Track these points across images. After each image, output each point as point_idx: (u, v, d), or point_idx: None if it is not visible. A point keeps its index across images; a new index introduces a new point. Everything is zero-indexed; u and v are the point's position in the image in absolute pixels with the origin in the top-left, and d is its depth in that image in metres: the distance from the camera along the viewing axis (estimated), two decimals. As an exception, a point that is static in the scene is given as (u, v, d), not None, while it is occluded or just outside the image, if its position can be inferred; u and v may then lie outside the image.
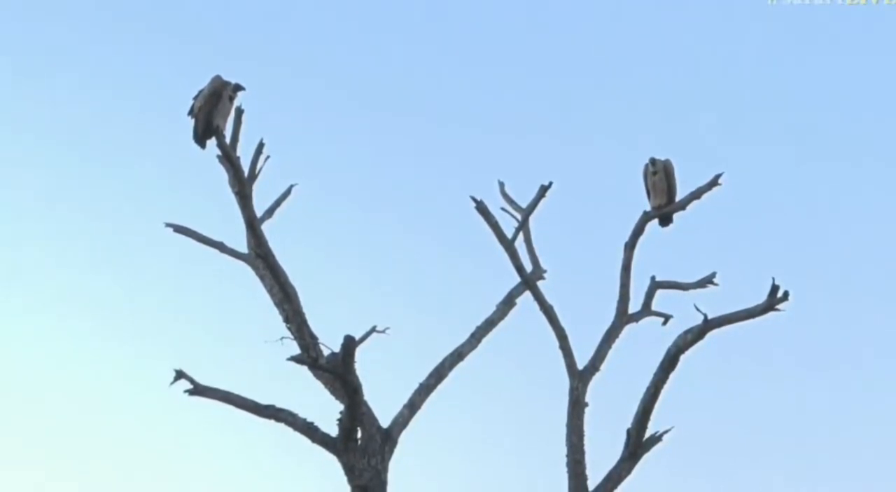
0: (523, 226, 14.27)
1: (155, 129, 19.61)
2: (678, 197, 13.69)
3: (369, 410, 12.90)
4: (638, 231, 13.69)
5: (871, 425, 19.95)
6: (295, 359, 12.52)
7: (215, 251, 13.78)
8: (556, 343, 13.44)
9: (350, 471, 12.64)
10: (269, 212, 13.66)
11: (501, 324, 14.24)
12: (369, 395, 12.82)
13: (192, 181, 17.04)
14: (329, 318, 13.56)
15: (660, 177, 13.68)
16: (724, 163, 13.56)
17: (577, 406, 13.20)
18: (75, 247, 21.28)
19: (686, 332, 12.60)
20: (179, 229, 13.81)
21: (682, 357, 12.63)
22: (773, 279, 12.33)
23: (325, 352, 12.87)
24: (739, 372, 19.71)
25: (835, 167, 22.39)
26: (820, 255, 21.12)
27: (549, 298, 13.50)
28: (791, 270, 13.24)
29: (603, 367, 13.48)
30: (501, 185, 14.91)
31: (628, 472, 12.85)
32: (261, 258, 13.12)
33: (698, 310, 12.48)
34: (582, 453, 13.01)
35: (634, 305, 13.86)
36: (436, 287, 20.94)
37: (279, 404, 12.81)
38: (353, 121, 22.40)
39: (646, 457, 12.87)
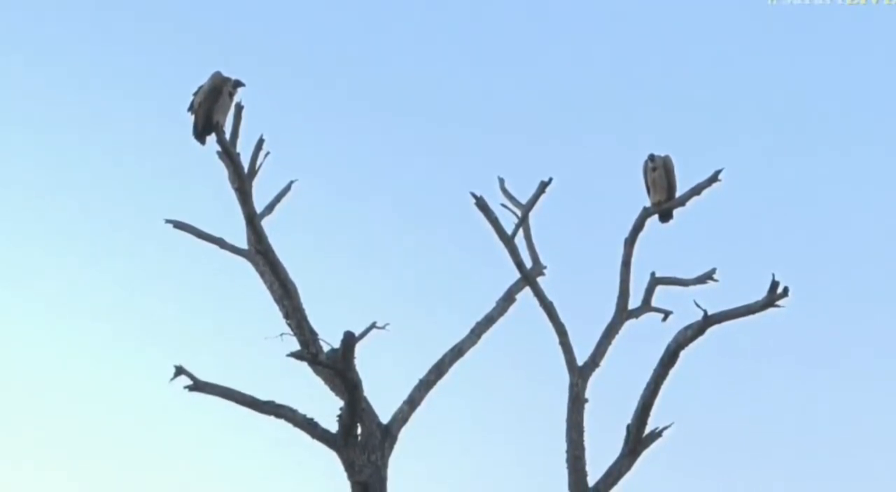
0: (523, 222, 14.28)
1: (155, 125, 19.63)
2: (678, 193, 13.69)
3: (369, 406, 12.91)
4: (638, 227, 13.70)
5: (871, 422, 19.98)
6: (295, 355, 12.52)
7: (215, 247, 13.79)
8: (555, 339, 13.45)
9: (350, 467, 12.65)
10: (269, 208, 13.66)
11: (501, 320, 14.26)
12: (369, 391, 12.84)
13: (191, 177, 17.07)
14: (329, 314, 13.59)
15: (659, 173, 13.67)
16: (724, 160, 13.54)
17: (576, 402, 13.21)
18: (75, 243, 21.32)
19: (686, 328, 12.61)
20: (179, 226, 13.82)
21: (682, 353, 12.64)
22: (773, 275, 12.35)
23: (325, 348, 12.86)
24: (739, 368, 19.73)
25: (834, 165, 22.43)
26: (820, 251, 21.16)
27: (549, 295, 13.51)
28: (791, 266, 13.26)
29: (603, 363, 13.50)
30: (501, 181, 14.91)
31: (628, 468, 12.86)
32: (261, 254, 13.12)
33: (698, 306, 12.50)
34: (582, 449, 13.02)
35: (634, 302, 13.87)
36: (436, 283, 20.97)
37: (279, 400, 12.82)
38: (353, 117, 22.42)
39: (646, 453, 12.89)
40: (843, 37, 22.66)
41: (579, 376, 13.33)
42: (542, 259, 14.64)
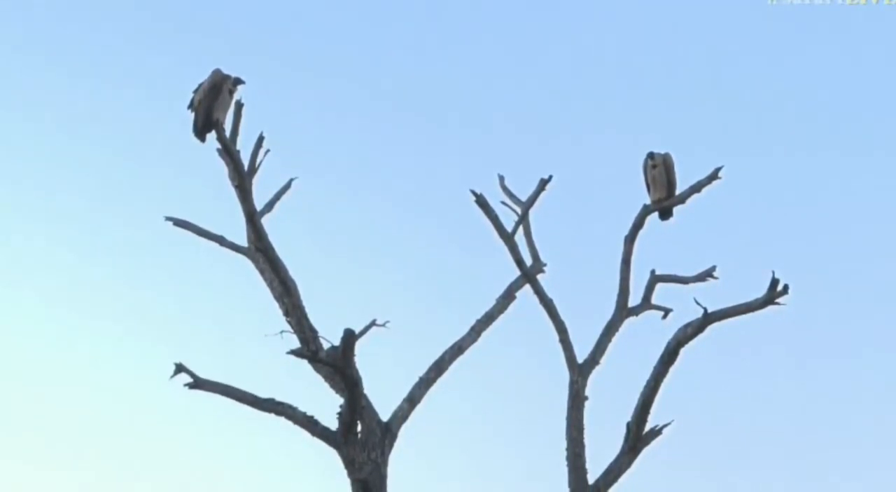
0: (523, 219, 14.28)
1: (155, 122, 19.62)
2: (678, 191, 13.69)
3: (369, 403, 12.91)
4: (638, 225, 13.70)
5: (871, 420, 19.99)
6: (295, 352, 12.52)
7: (215, 245, 13.79)
8: (555, 337, 13.45)
9: (350, 464, 12.65)
10: (269, 205, 13.65)
11: (501, 317, 14.26)
12: (369, 388, 12.85)
13: (191, 175, 17.05)
14: (329, 311, 13.59)
15: (659, 170, 13.67)
16: (724, 157, 13.54)
17: (576, 400, 13.21)
18: (75, 241, 21.30)
19: (686, 325, 12.60)
20: (179, 223, 13.82)
21: (682, 351, 12.64)
22: (773, 273, 12.35)
23: (325, 345, 12.87)
24: (739, 366, 19.73)
25: (834, 164, 22.43)
26: (820, 249, 21.15)
27: (549, 292, 13.51)
28: (791, 263, 13.26)
29: (603, 360, 13.50)
30: (501, 178, 14.90)
31: (628, 465, 12.86)
32: (261, 252, 13.12)
33: (698, 304, 12.49)
34: (582, 446, 13.02)
35: (634, 299, 13.87)
36: (436, 281, 20.96)
37: (279, 398, 12.82)
38: (353, 114, 22.41)
39: (646, 450, 12.89)
40: (843, 37, 22.68)
41: (579, 373, 13.33)
42: (542, 257, 14.65)
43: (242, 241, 13.69)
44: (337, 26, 23.41)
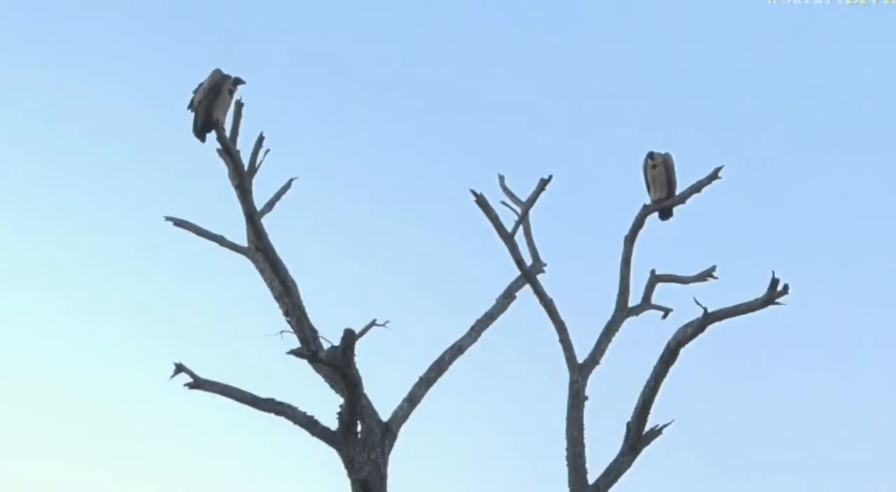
0: (523, 219, 14.28)
1: (155, 122, 19.63)
2: (678, 190, 13.69)
3: (369, 403, 12.91)
4: (638, 225, 13.70)
5: (871, 420, 19.99)
6: (295, 352, 12.51)
7: (215, 245, 13.79)
8: (555, 336, 13.46)
9: (350, 464, 12.65)
10: (269, 205, 13.65)
11: (501, 317, 14.25)
12: (369, 388, 12.84)
13: (191, 175, 17.06)
14: (329, 311, 13.58)
15: (659, 170, 13.68)
16: (724, 157, 13.55)
17: (576, 399, 13.21)
18: (75, 241, 21.30)
19: (686, 325, 12.59)
20: (179, 223, 13.82)
21: (682, 351, 12.63)
22: (773, 273, 12.35)
23: (325, 345, 12.87)
24: (739, 366, 19.73)
25: (834, 164, 22.45)
26: (820, 248, 21.16)
27: (549, 292, 13.52)
28: (791, 263, 13.26)
29: (603, 360, 13.50)
30: (501, 178, 14.90)
31: (628, 465, 12.86)
32: (261, 252, 13.11)
33: (698, 303, 12.48)
34: (582, 446, 13.02)
35: (634, 299, 13.88)
36: (436, 281, 20.98)
37: (279, 398, 12.82)
38: (353, 114, 22.41)
39: (646, 450, 12.89)
40: (843, 37, 22.69)
41: (579, 373, 13.33)
42: (542, 256, 14.66)
43: (242, 241, 13.69)
44: (337, 26, 23.44)
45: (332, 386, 13.08)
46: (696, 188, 13.57)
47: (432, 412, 13.64)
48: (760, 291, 12.41)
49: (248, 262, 13.67)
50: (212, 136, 12.90)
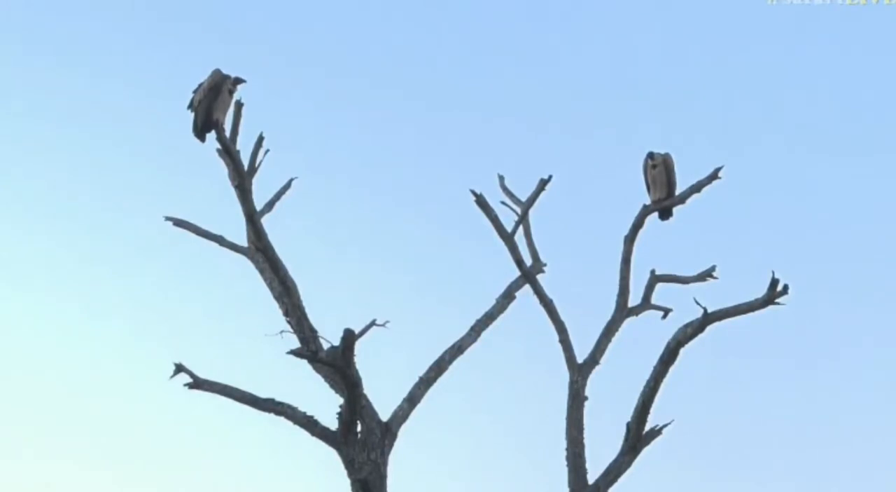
0: (523, 219, 14.28)
1: (155, 122, 19.62)
2: (678, 191, 13.70)
3: (369, 403, 12.91)
4: (638, 225, 13.70)
5: (871, 420, 19.99)
6: (295, 352, 12.52)
7: (215, 245, 13.80)
8: (555, 337, 13.46)
9: (350, 464, 12.65)
10: (269, 205, 13.65)
11: (501, 317, 14.25)
12: (369, 388, 12.84)
13: (191, 175, 17.05)
14: (329, 311, 13.58)
15: (659, 170, 13.68)
16: (724, 157, 13.55)
17: (576, 400, 13.22)
18: (75, 240, 21.30)
19: (686, 325, 12.59)
20: (179, 223, 13.83)
21: (682, 351, 12.63)
22: (773, 273, 12.35)
23: (325, 345, 12.87)
24: (739, 366, 19.73)
25: (834, 164, 22.44)
26: (820, 249, 21.16)
27: (549, 292, 13.52)
28: (791, 263, 13.26)
29: (603, 360, 13.50)
30: (501, 178, 14.90)
31: (628, 465, 12.86)
32: (260, 252, 13.11)
33: (698, 303, 12.48)
34: (582, 446, 13.02)
35: (634, 299, 13.88)
36: (435, 281, 20.97)
37: (279, 398, 12.82)
38: (353, 114, 22.42)
39: (646, 450, 12.89)
40: (843, 37, 22.69)
41: (579, 373, 13.33)
42: (542, 257, 14.66)
43: (242, 241, 13.69)
44: (337, 25, 23.43)
45: (332, 386, 13.09)
46: (696, 188, 13.57)
47: (432, 412, 13.65)
48: (760, 291, 12.41)
49: (248, 262, 13.68)
50: (212, 136, 12.90)
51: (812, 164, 22.38)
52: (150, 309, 20.34)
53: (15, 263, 21.02)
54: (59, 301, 20.90)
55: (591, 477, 12.88)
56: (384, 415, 13.05)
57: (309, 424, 12.76)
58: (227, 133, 12.56)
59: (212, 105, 12.80)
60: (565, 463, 13.01)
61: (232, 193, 13.03)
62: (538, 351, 14.82)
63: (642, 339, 13.78)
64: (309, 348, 12.79)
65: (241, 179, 12.69)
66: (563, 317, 13.44)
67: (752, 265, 15.10)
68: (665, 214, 13.85)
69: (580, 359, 13.42)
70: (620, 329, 13.76)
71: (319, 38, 23.48)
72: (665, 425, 12.85)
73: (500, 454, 19.34)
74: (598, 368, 13.46)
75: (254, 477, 18.82)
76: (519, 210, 14.34)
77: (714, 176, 13.40)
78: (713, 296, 12.91)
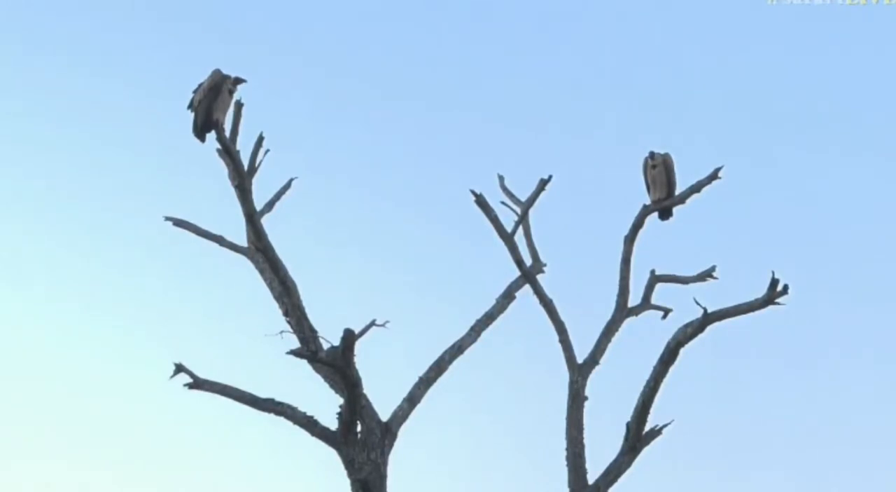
0: (523, 219, 14.27)
1: (155, 122, 19.62)
2: (678, 191, 13.70)
3: (369, 403, 12.91)
4: (637, 225, 13.71)
5: (871, 420, 19.99)
6: (294, 352, 12.52)
7: (215, 245, 13.80)
8: (555, 337, 13.46)
9: (350, 464, 12.65)
10: (269, 205, 13.65)
11: (501, 317, 14.25)
12: (369, 388, 12.84)
13: (191, 175, 17.05)
14: (328, 311, 13.58)
15: (659, 170, 13.68)
16: (724, 157, 13.55)
17: (576, 400, 13.21)
18: (75, 240, 21.31)
19: (686, 325, 12.59)
20: (179, 223, 13.83)
21: (682, 351, 12.63)
22: (773, 273, 12.35)
23: (325, 345, 12.87)
24: (739, 366, 19.74)
25: (834, 164, 22.46)
26: (820, 249, 21.16)
27: (549, 292, 13.52)
28: (791, 263, 13.27)
29: (602, 360, 13.50)
30: (501, 178, 14.90)
31: (628, 465, 12.86)
32: (260, 252, 13.11)
33: (698, 304, 12.48)
34: (582, 446, 13.02)
35: (634, 299, 13.88)
36: (435, 281, 20.98)
37: (279, 398, 12.82)
38: (353, 114, 22.42)
39: (646, 450, 12.89)
40: (843, 37, 22.70)
41: (579, 373, 13.33)
42: (542, 257, 14.65)
43: (242, 241, 13.69)
44: (337, 25, 23.43)
45: (332, 386, 13.08)
46: (696, 188, 13.58)
47: (432, 412, 13.65)
48: (760, 291, 12.41)
49: (248, 262, 13.67)
50: (212, 136, 12.89)
51: (812, 164, 22.40)
52: (150, 309, 20.37)
53: (15, 263, 21.04)
54: (59, 301, 20.93)
55: (591, 477, 12.88)
56: (384, 415, 13.05)
57: (309, 424, 12.76)
58: (227, 133, 12.56)
59: (212, 105, 12.79)
60: (565, 463, 13.01)
61: (232, 193, 13.03)
62: (538, 351, 14.84)
63: (642, 339, 13.79)
64: (309, 348, 12.78)
65: (241, 179, 12.69)
66: (563, 317, 13.44)
67: (752, 265, 15.10)
68: (665, 214, 13.86)
69: (580, 359, 13.42)
70: (620, 329, 13.76)
71: (319, 38, 23.50)
72: (665, 425, 12.85)
73: (500, 454, 19.36)
74: (598, 368, 13.46)
75: (254, 477, 18.84)
76: (519, 210, 14.33)
77: (714, 176, 13.41)
78: (713, 296, 12.93)
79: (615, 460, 12.86)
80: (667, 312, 13.84)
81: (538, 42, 23.29)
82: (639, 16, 23.02)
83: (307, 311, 13.14)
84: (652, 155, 13.79)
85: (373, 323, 13.32)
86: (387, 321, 13.46)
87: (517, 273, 13.87)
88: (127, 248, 20.41)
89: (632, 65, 22.96)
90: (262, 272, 13.50)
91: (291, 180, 13.96)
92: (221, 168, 13.31)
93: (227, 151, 12.68)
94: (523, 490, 19.90)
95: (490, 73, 23.22)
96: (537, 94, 22.64)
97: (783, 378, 20.36)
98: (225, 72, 12.96)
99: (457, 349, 13.77)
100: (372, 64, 23.14)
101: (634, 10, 23.03)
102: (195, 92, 12.98)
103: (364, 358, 12.54)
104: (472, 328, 13.99)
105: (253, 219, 12.96)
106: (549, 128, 21.97)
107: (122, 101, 21.48)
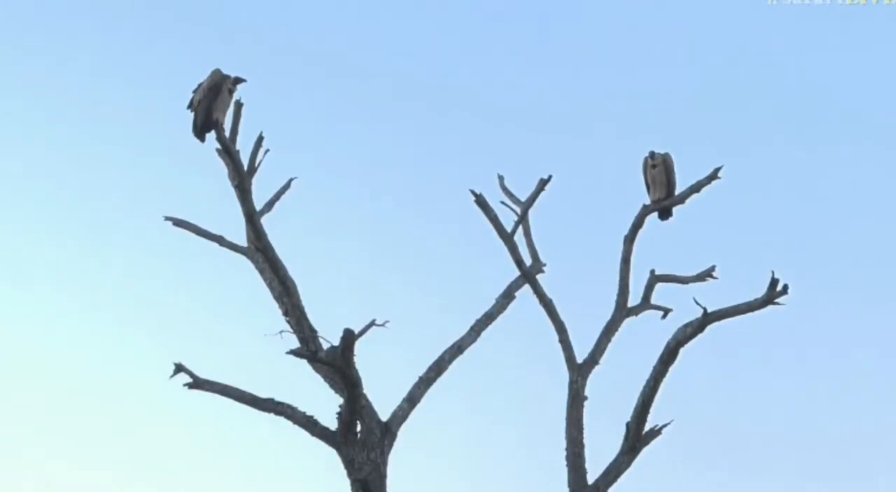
0: (523, 219, 14.27)
1: (154, 122, 19.63)
2: (677, 190, 13.70)
3: (369, 403, 12.91)
4: (637, 224, 13.71)
5: (870, 419, 19.99)
6: (294, 352, 12.52)
7: (215, 245, 13.80)
8: (555, 336, 13.46)
9: (349, 464, 12.65)
10: (269, 205, 13.65)
11: (501, 317, 14.25)
12: (369, 388, 12.84)
13: (191, 175, 17.06)
14: (328, 311, 13.58)
15: (659, 170, 13.69)
16: (724, 157, 13.55)
17: (576, 399, 13.21)
18: (74, 240, 21.30)
19: (686, 325, 12.59)
20: (179, 223, 13.83)
21: (682, 350, 12.63)
22: (773, 273, 12.35)
23: (325, 345, 12.87)
24: (739, 366, 19.73)
25: (835, 164, 22.46)
26: (820, 248, 21.16)
27: (549, 292, 13.52)
28: (790, 263, 13.27)
29: (602, 360, 13.50)
30: (501, 178, 14.90)
31: (628, 465, 12.86)
32: (260, 252, 13.11)
33: (698, 303, 12.48)
34: (581, 446, 13.02)
35: (634, 299, 13.87)
36: (435, 281, 20.98)
37: (279, 398, 12.82)
38: (354, 114, 22.43)
39: (646, 450, 12.88)
40: (843, 37, 22.70)
41: (579, 373, 13.33)
42: (542, 256, 14.65)
43: (242, 241, 13.69)
44: (337, 25, 23.44)
45: (332, 386, 13.08)
46: (696, 188, 13.58)
47: (432, 412, 13.65)
48: (760, 291, 12.41)
49: (247, 262, 13.67)
50: (211, 136, 12.89)
51: (812, 164, 22.41)
52: (150, 309, 20.36)
53: (15, 262, 21.04)
54: (59, 301, 20.93)
55: (591, 477, 12.87)
56: (384, 415, 13.05)
57: (309, 424, 12.76)
58: (227, 133, 12.56)
59: (212, 105, 12.79)
60: (565, 463, 13.01)
61: (232, 193, 13.03)
62: (538, 351, 14.83)
63: (642, 339, 13.79)
64: (309, 348, 12.79)
65: (241, 179, 12.69)
66: (562, 317, 13.44)
67: (752, 265, 15.10)
68: (665, 214, 13.86)
69: (580, 359, 13.42)
70: (620, 329, 13.76)
71: (319, 38, 23.50)
72: (665, 425, 12.85)
73: (500, 454, 19.36)
74: (597, 368, 13.46)
75: (254, 477, 18.84)
76: (519, 210, 14.33)
77: (714, 176, 13.41)
78: (713, 296, 12.93)
79: (615, 460, 12.86)
80: (666, 311, 13.84)
81: (538, 42, 23.31)
82: (639, 16, 23.05)
83: (307, 311, 13.14)
84: (652, 155, 13.80)
85: (373, 323, 13.31)
86: (387, 321, 13.46)
87: (517, 273, 13.87)
88: (127, 248, 20.43)
89: (632, 65, 22.99)
90: (261, 272, 13.50)
91: (291, 180, 13.97)
92: (221, 168, 13.31)
93: (227, 151, 12.68)
94: (523, 490, 19.91)
95: (490, 74, 23.25)
96: (537, 94, 22.67)
97: (783, 378, 20.37)
98: (225, 72, 12.96)
99: (457, 349, 13.77)
100: (372, 64, 23.17)
101: (634, 10, 23.05)
102: (195, 92, 12.98)
103: (364, 358, 12.56)
104: (472, 328, 13.99)
105: (253, 219, 12.96)
106: (549, 128, 21.99)
107: (122, 101, 21.51)
